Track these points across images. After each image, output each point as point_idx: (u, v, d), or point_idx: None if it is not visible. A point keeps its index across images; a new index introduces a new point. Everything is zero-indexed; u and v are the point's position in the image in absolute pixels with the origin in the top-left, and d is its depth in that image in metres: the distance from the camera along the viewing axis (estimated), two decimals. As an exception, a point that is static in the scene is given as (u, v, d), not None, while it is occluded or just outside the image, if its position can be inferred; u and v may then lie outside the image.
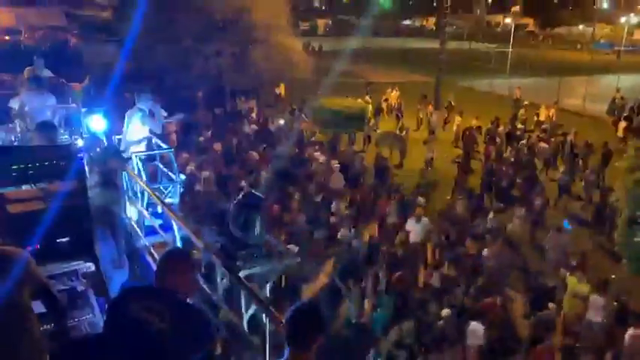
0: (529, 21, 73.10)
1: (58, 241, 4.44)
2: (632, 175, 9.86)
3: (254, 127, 17.62)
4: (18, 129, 7.27)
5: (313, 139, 17.14)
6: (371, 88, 24.62)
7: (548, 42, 62.01)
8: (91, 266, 4.67)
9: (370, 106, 21.05)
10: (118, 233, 5.89)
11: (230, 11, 19.73)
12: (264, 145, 14.42)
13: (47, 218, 4.30)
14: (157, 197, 6.06)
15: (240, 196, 5.05)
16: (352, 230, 9.85)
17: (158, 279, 3.10)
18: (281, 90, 24.07)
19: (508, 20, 56.91)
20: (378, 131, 18.98)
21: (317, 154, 14.37)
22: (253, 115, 19.65)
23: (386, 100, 24.16)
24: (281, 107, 21.64)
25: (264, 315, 4.07)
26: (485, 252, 9.21)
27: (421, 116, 21.90)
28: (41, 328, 3.26)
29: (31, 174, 4.36)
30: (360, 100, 20.96)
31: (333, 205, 11.05)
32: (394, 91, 24.42)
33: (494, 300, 7.92)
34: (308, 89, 21.57)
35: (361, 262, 8.95)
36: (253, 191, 5.27)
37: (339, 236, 9.69)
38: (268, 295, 4.74)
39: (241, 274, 4.81)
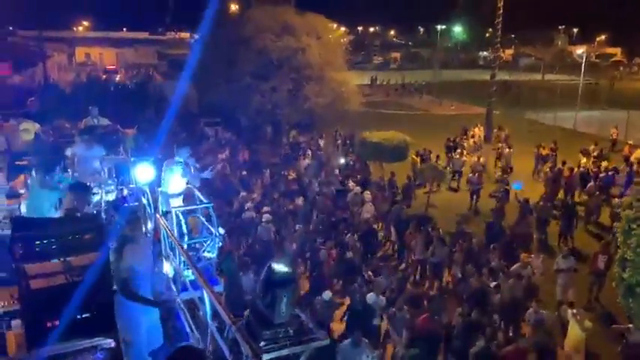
0: (616, 51, 69.54)
1: (79, 317, 4.35)
2: (624, 212, 8.72)
3: (309, 161, 17.87)
4: (70, 178, 7.45)
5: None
6: (465, 131, 23.77)
7: (636, 72, 58.64)
8: (111, 342, 4.54)
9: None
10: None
11: (286, 51, 20.50)
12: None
13: (69, 293, 4.22)
14: (188, 257, 5.89)
15: (266, 270, 4.72)
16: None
17: None
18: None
19: (579, 51, 53.91)
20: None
21: (351, 184, 15.00)
22: (309, 151, 19.78)
23: (472, 136, 23.15)
24: (328, 140, 22.04)
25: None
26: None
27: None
28: None
29: (54, 248, 4.29)
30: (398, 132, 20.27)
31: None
32: (478, 127, 23.42)
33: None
34: (358, 122, 21.44)
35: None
36: (281, 266, 4.94)
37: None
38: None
39: (265, 357, 4.53)
